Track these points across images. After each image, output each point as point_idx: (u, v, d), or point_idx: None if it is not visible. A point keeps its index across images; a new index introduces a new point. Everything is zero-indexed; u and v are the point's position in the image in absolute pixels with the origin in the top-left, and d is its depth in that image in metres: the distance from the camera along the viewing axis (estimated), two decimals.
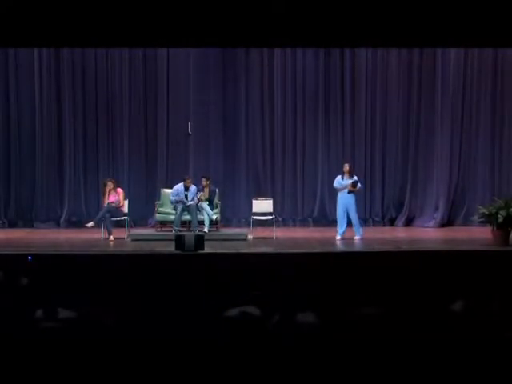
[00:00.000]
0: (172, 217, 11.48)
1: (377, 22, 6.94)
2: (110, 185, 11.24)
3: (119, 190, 11.35)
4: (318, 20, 6.97)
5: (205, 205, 11.38)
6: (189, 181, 11.49)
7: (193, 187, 11.50)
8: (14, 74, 12.93)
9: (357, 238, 10.78)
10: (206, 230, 11.13)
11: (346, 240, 10.73)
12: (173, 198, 11.42)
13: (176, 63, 13.15)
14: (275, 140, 13.33)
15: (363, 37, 7.49)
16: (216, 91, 13.12)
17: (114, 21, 6.92)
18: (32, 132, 13.02)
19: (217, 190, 11.90)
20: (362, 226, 11.32)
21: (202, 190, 11.57)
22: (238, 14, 6.83)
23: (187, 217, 11.43)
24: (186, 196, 11.41)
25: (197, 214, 11.25)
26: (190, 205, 11.29)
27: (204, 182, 11.61)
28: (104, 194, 11.30)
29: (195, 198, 11.40)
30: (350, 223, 10.97)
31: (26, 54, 12.87)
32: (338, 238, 10.82)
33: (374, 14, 6.84)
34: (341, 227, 10.88)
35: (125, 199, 11.43)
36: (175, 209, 11.41)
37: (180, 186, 11.49)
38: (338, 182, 11.03)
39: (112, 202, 11.16)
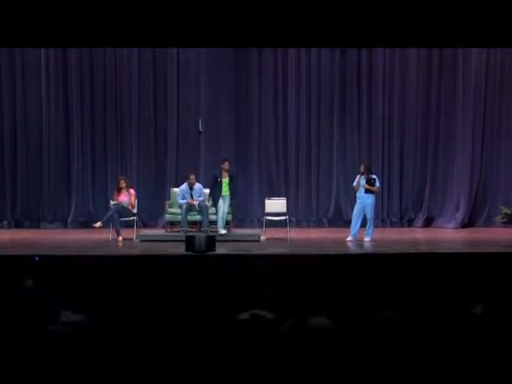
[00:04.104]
0: None
1: (393, 21, 6.93)
2: (122, 183, 11.26)
3: (132, 190, 11.36)
4: (333, 20, 6.97)
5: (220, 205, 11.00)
6: (192, 178, 11.31)
7: (197, 186, 11.37)
8: (21, 71, 13.04)
9: (366, 240, 10.73)
10: (222, 231, 10.91)
11: (360, 241, 10.69)
12: (182, 201, 11.21)
13: (186, 60, 13.19)
14: (289, 138, 13.33)
15: (379, 37, 7.48)
16: (228, 89, 13.15)
17: (121, 21, 6.97)
18: (39, 130, 13.11)
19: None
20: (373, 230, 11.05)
21: (221, 175, 10.96)
22: (247, 13, 6.86)
23: (197, 217, 11.37)
24: (192, 196, 11.25)
25: (208, 214, 11.17)
26: (198, 204, 11.18)
27: (227, 165, 11.01)
28: (116, 191, 11.30)
29: (201, 197, 11.26)
30: (363, 224, 10.89)
31: (32, 52, 12.94)
32: (350, 238, 10.76)
33: (390, 13, 6.83)
34: (354, 228, 10.82)
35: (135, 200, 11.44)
36: (181, 208, 11.26)
37: (185, 186, 11.37)
38: (356, 180, 11.01)
39: (121, 202, 11.19)
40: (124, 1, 6.91)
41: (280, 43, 10.13)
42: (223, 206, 10.99)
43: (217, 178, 11.02)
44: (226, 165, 11.04)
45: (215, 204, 11.03)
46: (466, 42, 8.76)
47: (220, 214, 10.97)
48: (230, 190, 11.05)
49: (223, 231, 10.92)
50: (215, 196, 11.04)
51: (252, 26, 7.10)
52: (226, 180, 11.02)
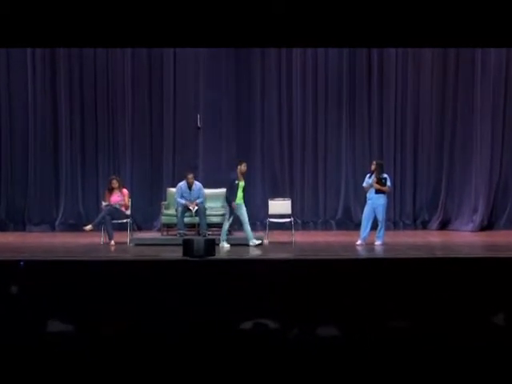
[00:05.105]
0: None
1: (405, 20, 6.93)
2: (114, 183, 11.24)
3: (125, 190, 11.33)
4: (340, 19, 6.99)
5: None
6: (190, 177, 11.21)
7: (197, 186, 11.31)
8: (6, 68, 13.02)
9: (377, 243, 10.70)
10: (225, 245, 10.48)
11: (371, 245, 10.67)
12: (180, 200, 11.11)
13: (184, 55, 13.16)
14: (294, 135, 13.33)
15: (388, 37, 7.49)
16: (228, 85, 13.15)
17: (119, 21, 7.00)
18: (24, 127, 13.10)
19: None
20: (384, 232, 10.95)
21: (237, 178, 10.49)
22: (249, 13, 6.89)
23: (196, 219, 11.32)
24: (189, 196, 11.12)
25: (205, 216, 11.13)
26: (196, 208, 11.04)
27: (244, 167, 10.49)
28: (107, 192, 11.28)
29: (201, 199, 11.19)
30: (374, 226, 10.87)
31: (19, 48, 12.92)
32: (359, 242, 10.74)
33: (400, 11, 6.84)
34: (364, 231, 10.80)
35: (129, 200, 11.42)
36: (176, 210, 11.14)
37: (183, 184, 11.31)
38: (366, 180, 11.00)
39: (114, 203, 11.17)
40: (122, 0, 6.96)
41: (283, 43, 10.15)
42: (230, 216, 10.54)
43: (234, 182, 10.45)
44: (244, 167, 10.52)
45: (230, 215, 10.54)
46: (483, 42, 8.75)
47: (226, 226, 10.63)
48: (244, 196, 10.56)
49: (226, 245, 10.49)
50: (231, 204, 10.46)
51: (253, 26, 7.14)
52: (242, 184, 10.50)
